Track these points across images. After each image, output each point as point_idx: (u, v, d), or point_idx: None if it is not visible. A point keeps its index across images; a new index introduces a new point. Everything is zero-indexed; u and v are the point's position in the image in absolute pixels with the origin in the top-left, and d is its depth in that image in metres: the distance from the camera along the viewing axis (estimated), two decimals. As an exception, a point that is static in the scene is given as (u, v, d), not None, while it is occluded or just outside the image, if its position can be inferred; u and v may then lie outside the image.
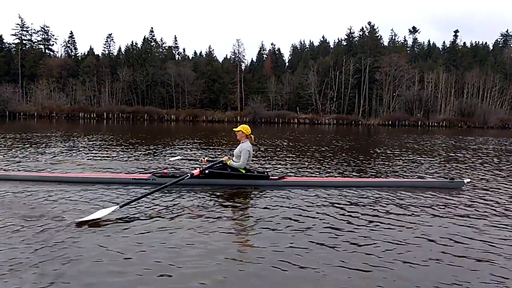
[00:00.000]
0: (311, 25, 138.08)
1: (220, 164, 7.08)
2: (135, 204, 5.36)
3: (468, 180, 7.70)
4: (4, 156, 10.49)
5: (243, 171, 7.09)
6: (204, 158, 8.39)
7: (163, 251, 3.82)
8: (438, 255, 3.93)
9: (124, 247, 3.88)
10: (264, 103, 70.22)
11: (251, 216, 5.16)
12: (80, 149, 12.99)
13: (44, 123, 37.72)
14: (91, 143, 15.45)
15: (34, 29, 79.39)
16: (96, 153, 11.95)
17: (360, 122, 68.35)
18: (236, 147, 7.36)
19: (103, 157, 11.10)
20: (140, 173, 7.95)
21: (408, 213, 5.46)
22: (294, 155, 13.13)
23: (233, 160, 7.19)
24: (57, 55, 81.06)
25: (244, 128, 7.26)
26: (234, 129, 7.43)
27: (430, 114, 69.85)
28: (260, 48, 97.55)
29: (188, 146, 15.56)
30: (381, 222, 4.97)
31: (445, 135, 32.62)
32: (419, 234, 4.53)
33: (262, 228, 4.61)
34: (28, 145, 13.57)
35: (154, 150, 13.38)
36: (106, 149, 13.18)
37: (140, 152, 12.57)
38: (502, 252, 4.05)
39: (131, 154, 12.10)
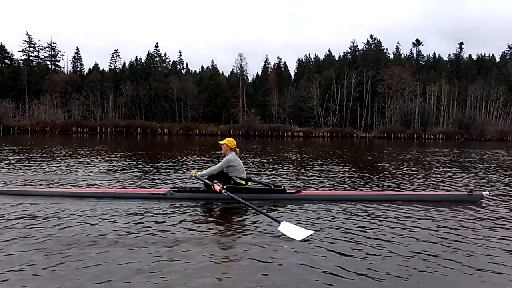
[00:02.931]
0: (318, 39, 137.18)
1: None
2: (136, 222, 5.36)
3: (487, 192, 7.44)
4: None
5: (243, 182, 7.06)
6: (188, 171, 7.48)
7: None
8: (463, 271, 3.81)
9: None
10: (258, 116, 70.69)
11: (270, 234, 4.89)
12: (83, 164, 12.98)
13: (37, 137, 38.78)
14: (90, 158, 15.38)
15: (41, 46, 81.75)
16: (99, 168, 11.78)
17: (355, 135, 67.73)
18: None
19: (109, 171, 11.02)
20: (156, 188, 8.01)
21: (428, 228, 5.28)
22: (300, 168, 12.93)
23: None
24: (63, 71, 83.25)
25: (229, 141, 7.30)
26: (219, 142, 7.47)
27: (428, 126, 68.51)
28: (265, 62, 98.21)
29: (188, 159, 15.60)
30: (404, 237, 4.87)
31: (448, 148, 31.36)
32: (443, 249, 4.43)
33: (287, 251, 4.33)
34: (26, 160, 13.48)
35: (155, 164, 13.32)
36: (107, 164, 13.13)
37: (141, 166, 12.53)
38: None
39: (135, 168, 12.03)
